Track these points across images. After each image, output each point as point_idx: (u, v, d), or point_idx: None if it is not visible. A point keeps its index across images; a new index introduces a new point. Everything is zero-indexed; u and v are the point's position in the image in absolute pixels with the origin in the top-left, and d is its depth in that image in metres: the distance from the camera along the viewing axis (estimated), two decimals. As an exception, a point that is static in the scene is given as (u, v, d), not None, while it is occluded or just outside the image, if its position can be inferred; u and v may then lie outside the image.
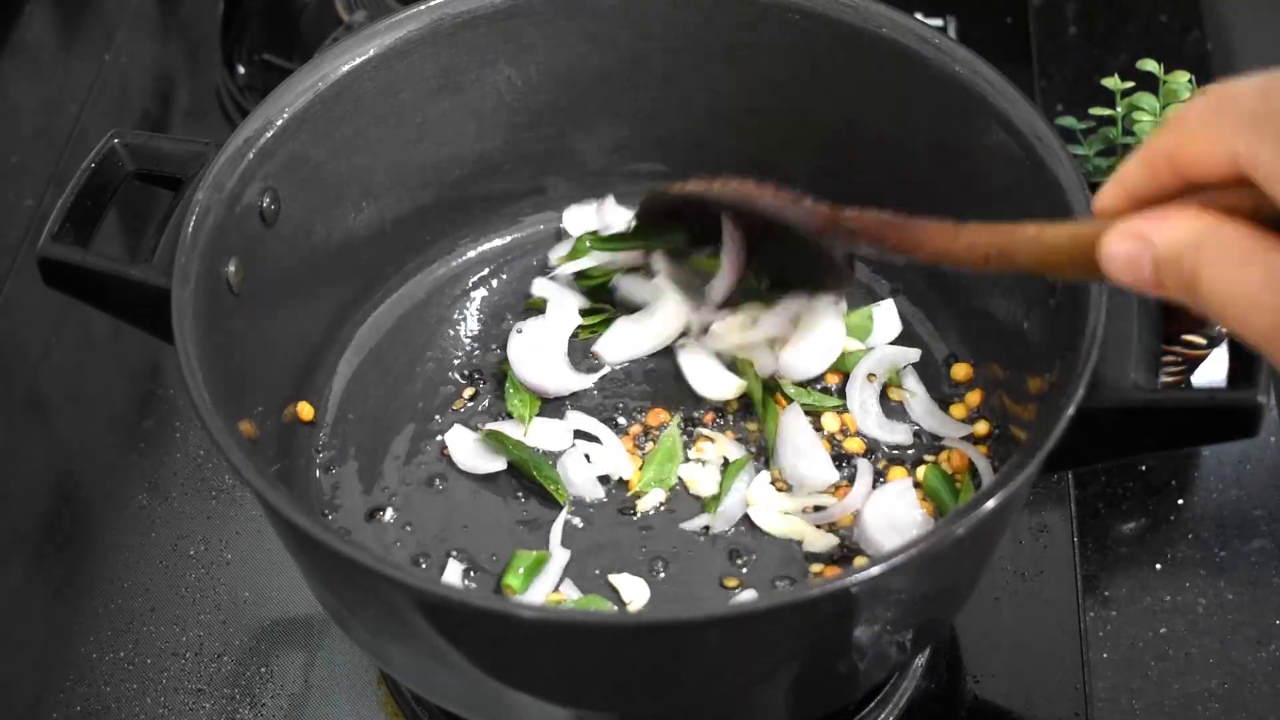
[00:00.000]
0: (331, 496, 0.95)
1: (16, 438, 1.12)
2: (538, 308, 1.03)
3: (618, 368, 1.01)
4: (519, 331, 1.01)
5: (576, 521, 0.93)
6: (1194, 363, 1.06)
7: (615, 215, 1.06)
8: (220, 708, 0.95)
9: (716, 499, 0.93)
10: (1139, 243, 0.62)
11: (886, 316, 1.01)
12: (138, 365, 1.15)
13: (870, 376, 0.98)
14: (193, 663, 0.97)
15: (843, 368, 0.99)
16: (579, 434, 0.97)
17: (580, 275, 1.03)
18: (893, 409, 0.98)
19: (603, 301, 1.03)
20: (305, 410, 0.97)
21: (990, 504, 0.72)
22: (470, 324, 1.04)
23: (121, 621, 0.99)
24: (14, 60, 1.40)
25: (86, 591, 1.01)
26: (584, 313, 1.02)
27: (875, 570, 0.70)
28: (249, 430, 0.86)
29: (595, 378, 1.00)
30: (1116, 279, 0.64)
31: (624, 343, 1.01)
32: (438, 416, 0.99)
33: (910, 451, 0.96)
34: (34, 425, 1.15)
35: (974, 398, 0.98)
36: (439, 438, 0.97)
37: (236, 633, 0.98)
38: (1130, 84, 1.02)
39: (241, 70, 1.34)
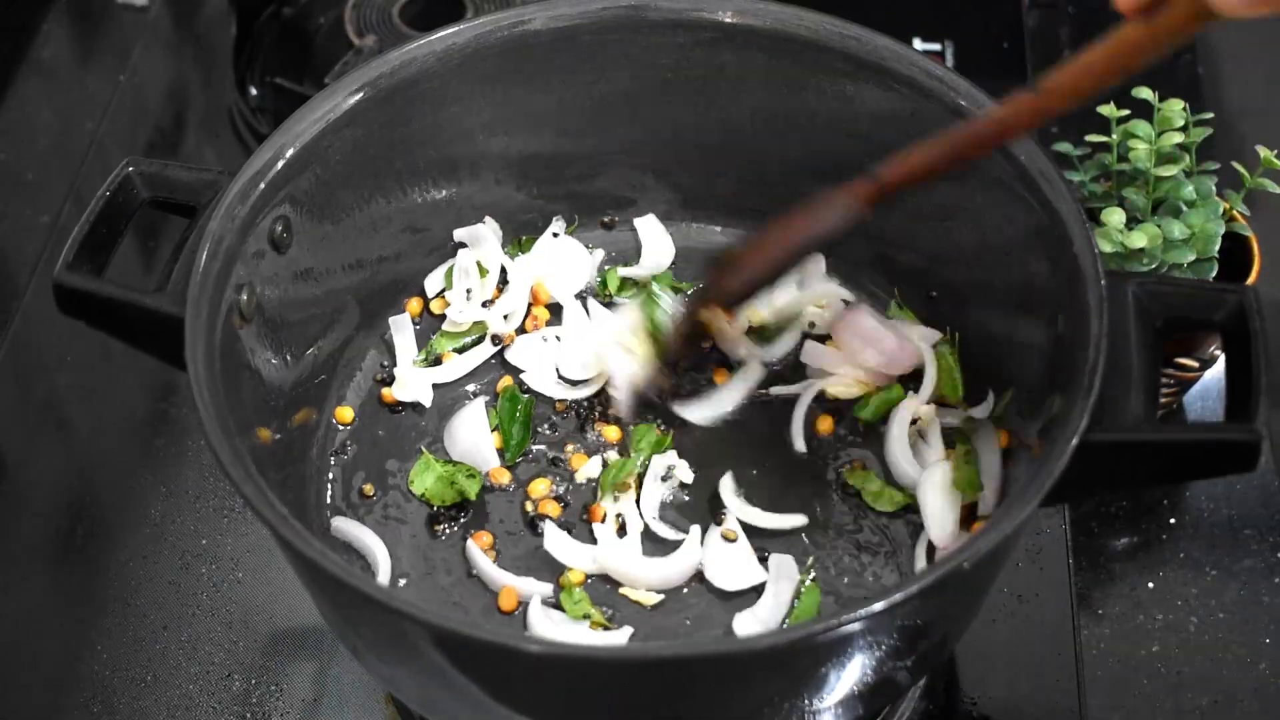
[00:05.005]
0: (344, 493, 0.98)
1: (32, 455, 1.14)
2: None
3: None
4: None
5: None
6: (1186, 385, 1.08)
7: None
8: (231, 724, 0.97)
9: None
10: None
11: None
12: (152, 383, 1.17)
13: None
14: (203, 679, 0.99)
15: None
16: None
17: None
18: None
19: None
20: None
21: (994, 537, 0.74)
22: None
23: (134, 638, 1.01)
24: (31, 78, 1.41)
25: (100, 609, 1.03)
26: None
27: (879, 606, 0.71)
28: (265, 436, 0.87)
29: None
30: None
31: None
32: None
33: None
34: (49, 442, 1.16)
35: None
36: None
37: (247, 650, 1.00)
38: (1125, 111, 1.04)
39: (254, 92, 1.35)
